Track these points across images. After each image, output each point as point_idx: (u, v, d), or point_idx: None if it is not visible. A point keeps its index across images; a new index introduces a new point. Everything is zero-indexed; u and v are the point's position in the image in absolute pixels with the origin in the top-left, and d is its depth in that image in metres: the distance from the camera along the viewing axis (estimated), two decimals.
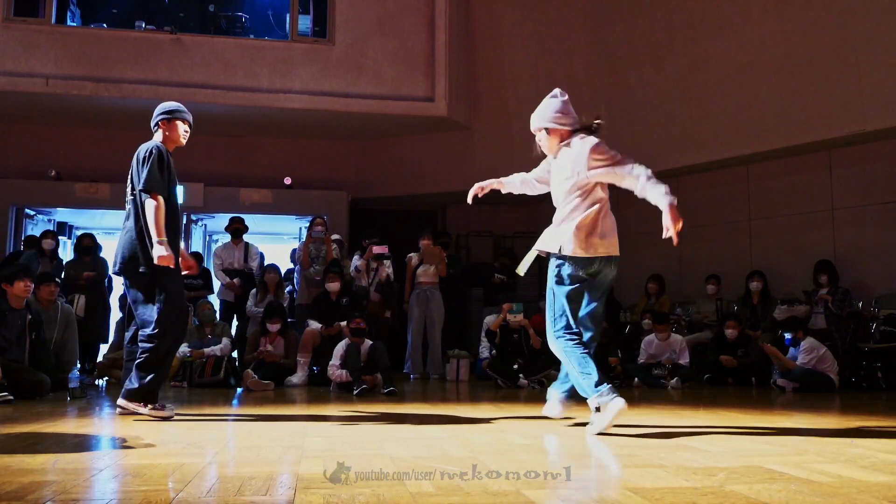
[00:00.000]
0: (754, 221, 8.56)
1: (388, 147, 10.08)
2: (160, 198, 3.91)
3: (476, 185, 3.94)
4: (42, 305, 5.93)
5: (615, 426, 3.33)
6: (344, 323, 6.52)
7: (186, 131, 4.15)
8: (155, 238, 3.84)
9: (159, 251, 3.82)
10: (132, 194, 4.02)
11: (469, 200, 3.96)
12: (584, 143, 3.47)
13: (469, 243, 10.42)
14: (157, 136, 4.11)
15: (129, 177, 4.05)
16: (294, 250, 8.70)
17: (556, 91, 3.62)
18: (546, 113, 3.57)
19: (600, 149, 3.44)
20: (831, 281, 7.33)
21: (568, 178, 3.47)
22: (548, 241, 3.52)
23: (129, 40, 8.58)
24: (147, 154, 3.97)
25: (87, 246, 8.28)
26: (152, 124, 4.15)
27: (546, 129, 3.57)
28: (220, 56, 8.65)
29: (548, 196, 3.75)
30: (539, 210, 3.73)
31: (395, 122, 9.23)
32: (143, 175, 3.90)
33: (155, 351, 3.92)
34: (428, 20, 9.02)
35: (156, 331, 3.90)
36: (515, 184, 3.93)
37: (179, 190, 9.96)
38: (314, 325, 6.82)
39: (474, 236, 10.41)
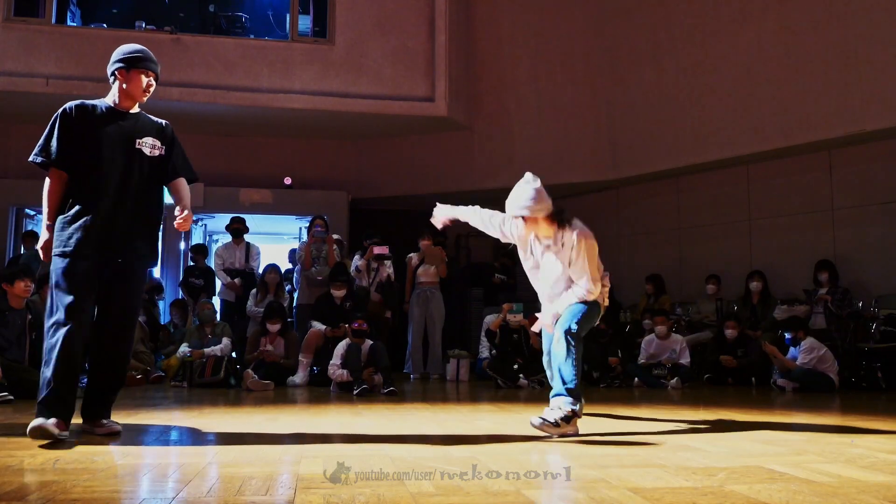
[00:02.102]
0: (754, 221, 8.55)
1: (388, 147, 10.07)
2: (53, 173, 3.19)
3: (442, 215, 4.00)
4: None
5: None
6: (346, 325, 6.52)
7: (150, 85, 3.36)
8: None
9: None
10: None
11: (438, 225, 4.02)
12: (578, 238, 3.59)
13: (469, 243, 10.41)
14: (113, 90, 3.35)
15: None
16: (293, 251, 8.69)
17: (530, 176, 3.61)
18: (540, 200, 3.56)
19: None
20: (831, 281, 7.33)
21: (564, 266, 3.68)
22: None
23: (129, 40, 8.52)
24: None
25: None
26: (108, 73, 3.37)
27: (547, 215, 3.62)
28: (220, 56, 8.64)
29: None
30: None
31: (395, 122, 9.23)
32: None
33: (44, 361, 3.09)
34: (428, 20, 9.02)
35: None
36: (474, 220, 4.10)
37: None
38: (318, 325, 6.82)
39: (474, 236, 10.40)
